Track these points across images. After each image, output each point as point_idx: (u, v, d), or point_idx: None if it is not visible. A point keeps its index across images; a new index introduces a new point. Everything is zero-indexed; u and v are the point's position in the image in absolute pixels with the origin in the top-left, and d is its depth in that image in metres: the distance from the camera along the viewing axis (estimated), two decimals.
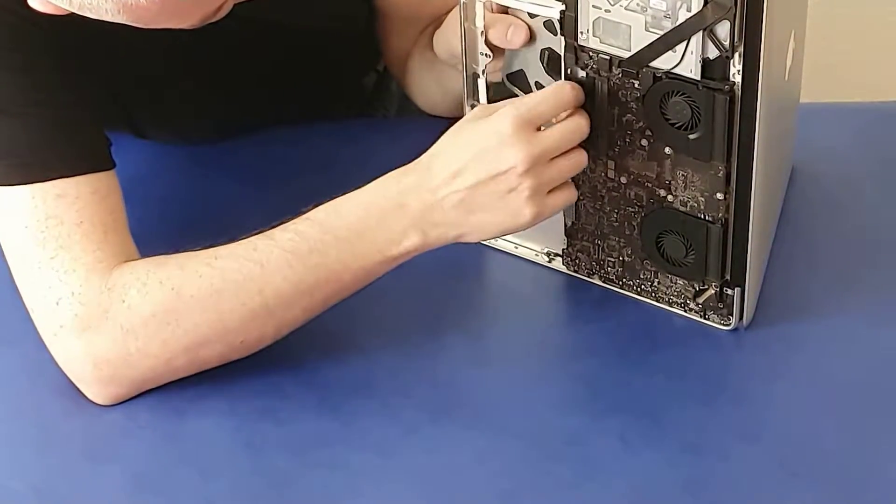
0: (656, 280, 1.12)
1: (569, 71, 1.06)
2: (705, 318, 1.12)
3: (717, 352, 1.10)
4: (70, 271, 1.04)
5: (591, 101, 1.06)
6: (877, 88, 2.00)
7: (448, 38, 1.17)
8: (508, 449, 1.03)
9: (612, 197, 1.10)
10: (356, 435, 1.04)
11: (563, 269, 1.17)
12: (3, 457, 1.06)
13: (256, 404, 1.07)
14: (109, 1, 0.93)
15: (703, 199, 1.06)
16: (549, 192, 1.04)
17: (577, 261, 1.16)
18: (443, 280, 1.16)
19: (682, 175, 1.06)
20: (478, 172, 1.02)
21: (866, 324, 1.11)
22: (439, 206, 1.03)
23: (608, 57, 1.04)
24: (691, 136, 1.03)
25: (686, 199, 1.07)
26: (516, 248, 1.19)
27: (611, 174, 1.09)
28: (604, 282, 1.15)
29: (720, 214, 1.06)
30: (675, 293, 1.12)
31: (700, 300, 1.11)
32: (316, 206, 1.05)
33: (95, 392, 1.06)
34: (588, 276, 1.16)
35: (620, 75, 1.04)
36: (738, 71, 1.00)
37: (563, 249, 1.16)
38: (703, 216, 1.07)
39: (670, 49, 1.01)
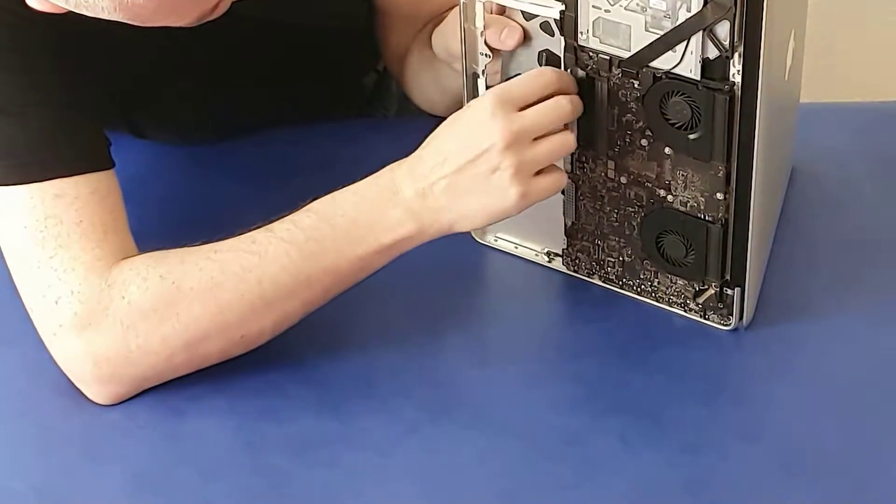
0: (656, 280, 1.12)
1: (569, 71, 1.06)
2: (705, 318, 1.12)
3: (717, 352, 1.10)
4: (69, 270, 1.04)
5: (591, 101, 1.06)
6: (877, 88, 2.00)
7: (446, 36, 1.17)
8: (508, 449, 1.03)
9: (612, 197, 1.10)
10: (356, 434, 1.04)
11: (563, 269, 1.17)
12: (3, 457, 1.06)
13: (256, 404, 1.07)
14: None
15: (703, 199, 1.06)
16: (537, 174, 1.04)
17: (577, 261, 1.16)
18: (443, 280, 1.16)
19: (682, 175, 1.06)
20: (462, 155, 1.03)
21: (866, 324, 1.11)
22: (430, 192, 1.04)
23: (608, 57, 1.04)
24: (691, 136, 1.03)
25: (686, 199, 1.07)
26: (516, 248, 1.19)
27: (611, 174, 1.09)
28: (604, 282, 1.15)
29: (720, 214, 1.06)
30: (675, 293, 1.12)
31: (700, 300, 1.11)
32: (313, 199, 1.06)
33: (95, 391, 1.06)
34: (588, 276, 1.16)
35: (620, 75, 1.04)
36: (738, 71, 1.00)
37: (563, 249, 1.16)
38: (703, 216, 1.07)
39: (670, 49, 1.01)
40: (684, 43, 1.00)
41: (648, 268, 1.12)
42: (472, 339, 1.12)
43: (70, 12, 0.97)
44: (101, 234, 1.05)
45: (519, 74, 1.09)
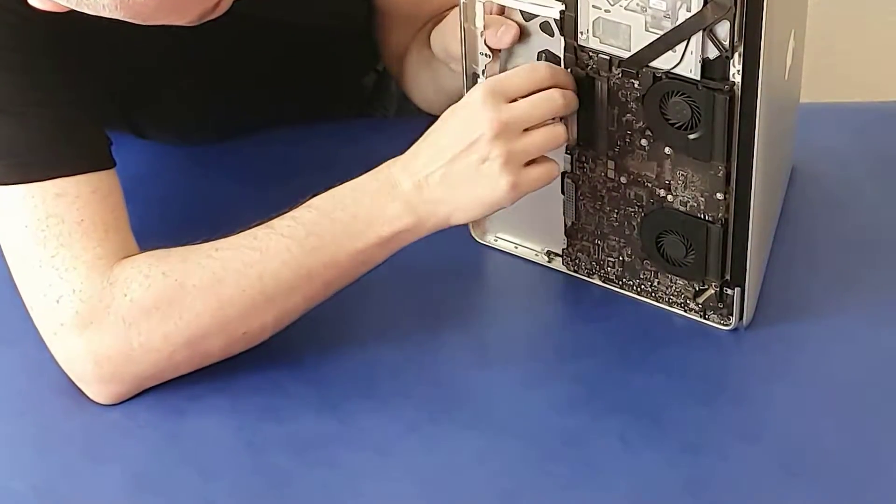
0: (656, 280, 1.12)
1: (569, 71, 1.06)
2: (705, 318, 1.12)
3: (717, 352, 1.10)
4: (71, 269, 1.04)
5: (590, 101, 1.06)
6: (877, 88, 2.00)
7: (445, 36, 1.17)
8: (508, 449, 1.03)
9: (612, 197, 1.10)
10: (356, 434, 1.04)
11: (563, 269, 1.17)
12: (3, 457, 1.06)
13: (257, 403, 1.07)
14: None
15: (703, 199, 1.06)
16: (529, 165, 1.05)
17: (577, 261, 1.16)
18: (443, 280, 1.16)
19: (682, 175, 1.06)
20: (454, 146, 1.04)
21: (866, 324, 1.11)
22: (426, 184, 1.05)
23: (608, 57, 1.04)
24: (691, 136, 1.03)
25: (686, 199, 1.07)
26: (516, 248, 1.19)
27: (611, 174, 1.09)
28: (604, 282, 1.15)
29: (720, 214, 1.06)
30: (675, 293, 1.12)
31: (700, 300, 1.11)
32: (313, 196, 1.07)
33: (96, 391, 1.06)
34: (588, 276, 1.16)
35: (620, 75, 1.04)
36: (738, 71, 1.00)
37: (563, 249, 1.16)
38: (703, 216, 1.07)
39: (670, 49, 1.01)
40: (684, 43, 1.00)
41: (648, 268, 1.12)
42: (472, 339, 1.12)
43: (71, 12, 0.97)
44: (102, 233, 1.05)
45: None
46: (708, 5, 0.98)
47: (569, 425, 1.05)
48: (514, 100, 1.04)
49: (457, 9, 1.09)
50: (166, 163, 1.29)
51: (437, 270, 1.16)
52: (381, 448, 1.03)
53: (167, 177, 1.28)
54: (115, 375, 1.05)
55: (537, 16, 1.06)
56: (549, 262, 1.18)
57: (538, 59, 1.08)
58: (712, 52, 1.00)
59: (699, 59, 1.00)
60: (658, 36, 1.01)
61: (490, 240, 1.20)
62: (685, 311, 1.12)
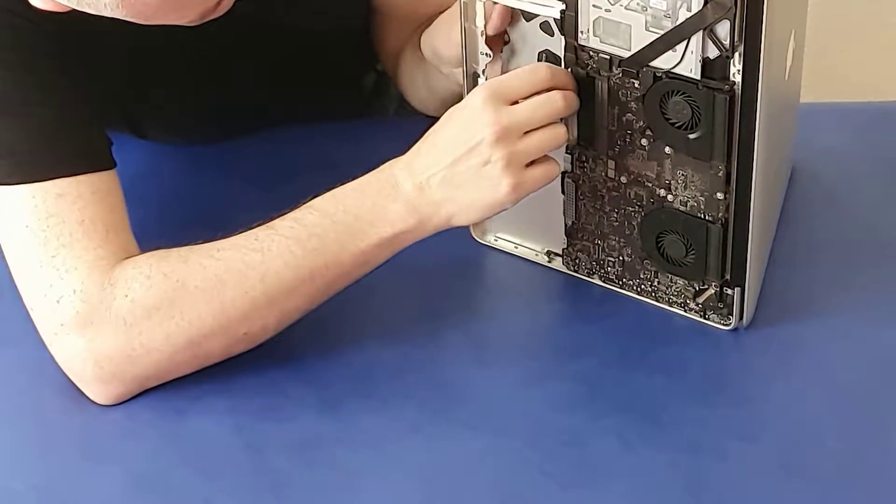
0: (656, 280, 1.12)
1: (569, 70, 1.06)
2: (705, 318, 1.12)
3: (716, 352, 1.10)
4: (71, 269, 1.04)
5: (591, 101, 1.06)
6: (877, 88, 2.00)
7: (433, 39, 1.18)
8: (508, 449, 1.03)
9: (612, 197, 1.10)
10: (356, 434, 1.04)
11: (563, 268, 1.17)
12: (3, 457, 1.06)
13: (256, 404, 1.07)
14: None
15: (703, 199, 1.06)
16: (530, 165, 1.05)
17: (577, 260, 1.16)
18: (443, 279, 1.16)
19: (682, 175, 1.06)
20: (455, 149, 1.04)
21: (867, 323, 1.11)
22: (427, 186, 1.05)
23: (608, 57, 1.04)
24: (691, 136, 1.03)
25: (686, 199, 1.07)
26: (516, 248, 1.19)
27: (611, 174, 1.09)
28: (604, 281, 1.15)
29: (720, 214, 1.06)
30: (675, 293, 1.12)
31: (700, 300, 1.11)
32: (314, 196, 1.07)
33: (96, 391, 1.06)
34: (588, 276, 1.16)
35: (620, 75, 1.04)
36: (738, 71, 1.00)
37: (563, 249, 1.16)
38: (703, 216, 1.07)
39: (670, 49, 1.01)
40: (684, 42, 1.00)
41: (648, 268, 1.12)
42: (472, 339, 1.12)
43: (73, 12, 0.97)
44: (103, 233, 1.05)
45: None
46: (708, 5, 0.98)
47: (568, 425, 1.05)
48: (515, 102, 1.04)
49: (446, 12, 1.09)
50: (166, 163, 1.29)
51: (437, 270, 1.16)
52: (381, 448, 1.03)
53: (167, 177, 1.28)
54: (115, 375, 1.05)
55: (538, 15, 1.06)
56: (549, 261, 1.18)
57: (539, 59, 1.08)
58: (712, 52, 1.00)
59: (699, 58, 1.00)
60: (658, 35, 1.01)
61: (490, 240, 1.20)
62: (685, 310, 1.12)
